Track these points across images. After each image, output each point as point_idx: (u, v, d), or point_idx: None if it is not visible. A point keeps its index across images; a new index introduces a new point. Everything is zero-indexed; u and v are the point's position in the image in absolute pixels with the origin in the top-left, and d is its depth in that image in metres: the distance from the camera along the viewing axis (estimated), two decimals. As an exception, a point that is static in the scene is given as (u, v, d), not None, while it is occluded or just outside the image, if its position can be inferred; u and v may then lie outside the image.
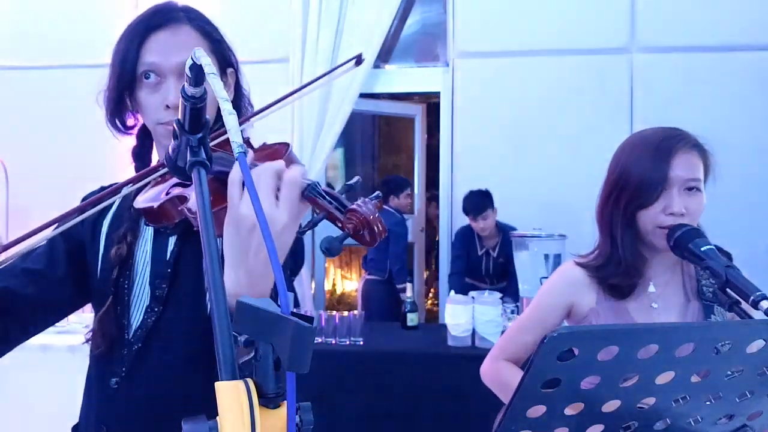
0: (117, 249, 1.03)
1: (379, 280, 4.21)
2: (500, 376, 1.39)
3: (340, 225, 0.74)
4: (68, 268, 1.06)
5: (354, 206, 0.72)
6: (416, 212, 4.80)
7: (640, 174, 1.24)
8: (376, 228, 0.71)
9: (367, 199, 0.73)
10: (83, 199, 1.12)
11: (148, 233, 1.06)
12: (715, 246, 1.16)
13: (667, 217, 1.23)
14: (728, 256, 1.21)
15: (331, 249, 0.70)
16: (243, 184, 0.73)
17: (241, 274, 0.73)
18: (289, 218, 0.71)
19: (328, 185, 0.92)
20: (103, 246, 1.07)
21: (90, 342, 1.05)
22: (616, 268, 1.28)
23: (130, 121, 1.09)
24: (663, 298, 1.32)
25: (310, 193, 0.75)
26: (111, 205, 1.10)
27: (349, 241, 0.73)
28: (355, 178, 0.78)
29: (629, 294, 1.30)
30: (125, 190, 0.95)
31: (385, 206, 4.13)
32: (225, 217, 0.75)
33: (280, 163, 0.74)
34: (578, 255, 1.39)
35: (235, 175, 0.74)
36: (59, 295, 1.06)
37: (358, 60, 1.07)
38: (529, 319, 1.40)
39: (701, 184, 1.26)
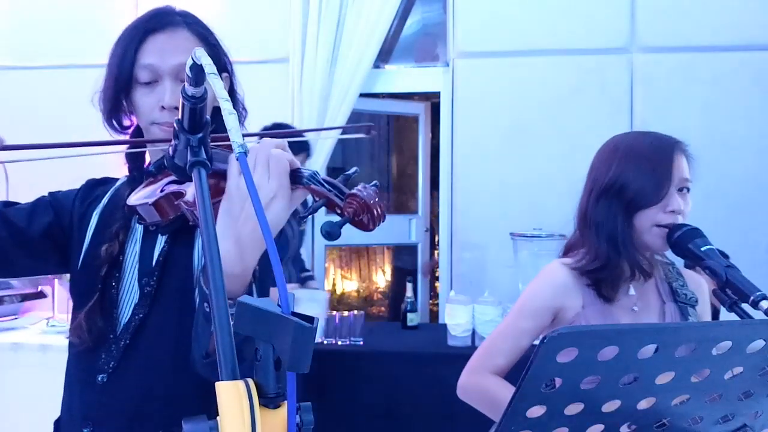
0: (108, 247, 1.04)
1: None
2: (486, 391, 1.32)
3: (339, 211, 0.76)
4: (41, 237, 1.07)
5: (354, 191, 0.75)
6: (420, 212, 4.74)
7: (644, 176, 1.25)
8: (375, 211, 0.74)
9: (366, 185, 0.76)
10: (83, 185, 1.15)
11: (138, 232, 1.07)
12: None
13: (666, 215, 1.24)
14: (723, 255, 1.22)
15: (331, 233, 0.73)
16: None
17: (230, 243, 0.76)
18: (278, 189, 0.75)
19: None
20: (90, 239, 1.07)
21: (73, 337, 1.04)
22: (614, 271, 1.28)
23: (126, 122, 1.10)
24: (642, 301, 1.33)
25: (309, 181, 0.78)
26: (101, 197, 1.12)
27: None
28: (353, 169, 0.81)
29: (616, 297, 1.30)
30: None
31: None
32: (220, 207, 0.79)
33: (275, 141, 0.79)
34: (562, 258, 1.37)
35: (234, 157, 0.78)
36: (18, 252, 1.06)
37: (368, 130, 1.13)
38: (512, 326, 1.35)
39: (689, 185, 1.29)
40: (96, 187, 1.15)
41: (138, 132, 1.11)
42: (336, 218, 0.75)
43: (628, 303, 1.31)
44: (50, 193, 1.14)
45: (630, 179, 1.26)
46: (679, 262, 1.36)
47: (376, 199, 0.74)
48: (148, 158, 1.12)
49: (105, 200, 1.11)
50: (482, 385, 1.33)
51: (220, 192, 0.82)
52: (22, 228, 1.06)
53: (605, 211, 1.29)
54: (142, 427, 0.99)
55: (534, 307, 1.33)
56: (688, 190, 1.29)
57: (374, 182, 0.78)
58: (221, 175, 0.85)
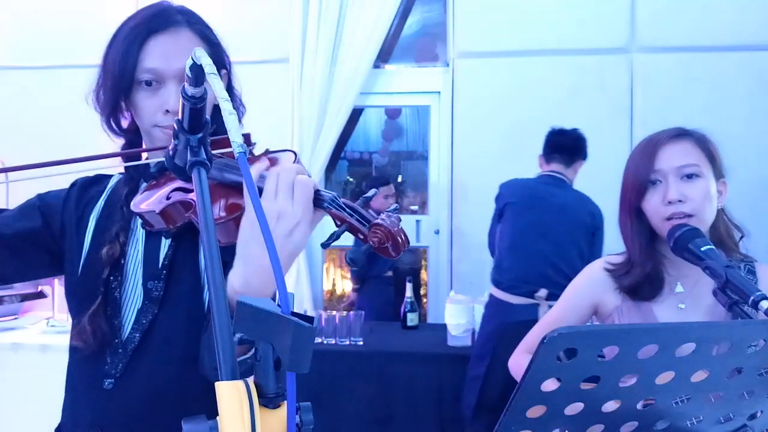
0: (109, 249, 1.02)
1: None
2: (522, 368, 1.41)
3: (362, 237, 0.77)
4: (21, 240, 1.05)
5: (378, 220, 0.75)
6: (430, 212, 4.53)
7: (632, 171, 1.30)
8: (399, 239, 0.75)
9: (389, 212, 0.76)
10: (72, 185, 1.13)
11: (140, 233, 1.05)
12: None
13: (667, 207, 1.23)
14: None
15: (355, 260, 0.76)
16: (261, 180, 0.79)
17: (253, 267, 0.76)
18: (303, 215, 0.76)
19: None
20: (90, 243, 1.05)
21: (77, 342, 1.01)
22: (635, 273, 1.30)
23: (124, 123, 1.08)
24: (691, 298, 1.30)
25: (330, 205, 0.78)
26: (97, 198, 1.10)
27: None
28: (372, 191, 0.81)
29: (654, 296, 1.30)
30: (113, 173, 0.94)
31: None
32: (241, 229, 0.79)
33: (298, 166, 0.80)
34: (609, 255, 1.41)
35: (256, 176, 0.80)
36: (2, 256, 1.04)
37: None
38: (555, 317, 1.44)
39: (700, 170, 1.25)
40: (89, 187, 1.12)
41: (135, 132, 1.09)
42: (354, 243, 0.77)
43: (674, 300, 1.30)
44: (39, 196, 1.11)
45: (626, 178, 1.32)
46: (758, 256, 1.31)
47: (400, 227, 0.75)
48: (144, 155, 1.11)
49: (101, 201, 1.09)
50: (520, 363, 1.44)
51: (236, 208, 0.83)
52: (4, 234, 1.04)
53: (623, 215, 1.34)
54: (152, 430, 0.98)
55: (574, 303, 1.41)
56: (697, 175, 1.24)
57: (395, 206, 0.78)
58: (239, 190, 0.85)
